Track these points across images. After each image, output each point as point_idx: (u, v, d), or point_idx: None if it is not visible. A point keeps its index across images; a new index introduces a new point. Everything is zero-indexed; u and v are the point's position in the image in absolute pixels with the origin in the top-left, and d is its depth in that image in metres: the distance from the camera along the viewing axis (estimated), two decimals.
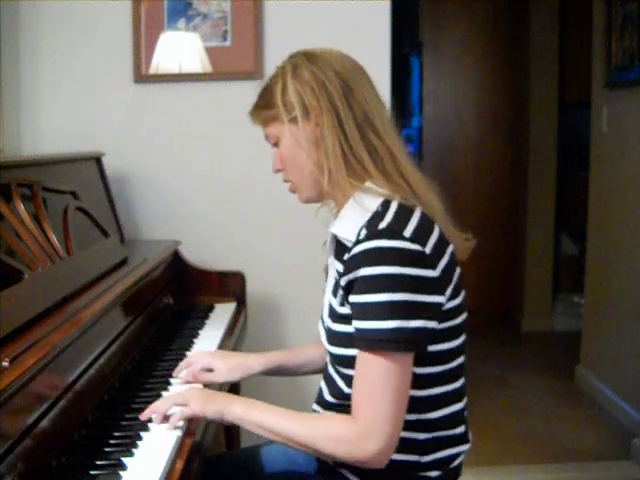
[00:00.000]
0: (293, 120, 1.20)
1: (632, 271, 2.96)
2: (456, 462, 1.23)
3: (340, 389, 1.22)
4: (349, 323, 1.14)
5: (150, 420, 1.22)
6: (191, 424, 1.24)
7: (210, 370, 1.44)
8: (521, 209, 4.46)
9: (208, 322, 1.92)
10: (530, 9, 4.25)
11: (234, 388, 2.07)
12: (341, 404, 1.22)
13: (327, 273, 1.33)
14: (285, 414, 1.16)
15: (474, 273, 4.38)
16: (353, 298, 1.12)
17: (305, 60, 1.21)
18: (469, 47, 4.49)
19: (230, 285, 2.17)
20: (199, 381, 1.42)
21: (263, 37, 2.36)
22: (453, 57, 4.52)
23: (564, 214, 4.44)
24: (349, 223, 1.18)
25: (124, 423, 1.24)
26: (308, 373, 1.50)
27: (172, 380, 1.46)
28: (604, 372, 3.26)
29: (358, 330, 1.10)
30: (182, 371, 1.45)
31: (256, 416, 1.16)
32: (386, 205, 1.15)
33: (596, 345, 3.36)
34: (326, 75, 1.19)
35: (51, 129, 2.40)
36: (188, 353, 1.63)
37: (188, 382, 1.42)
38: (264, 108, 1.25)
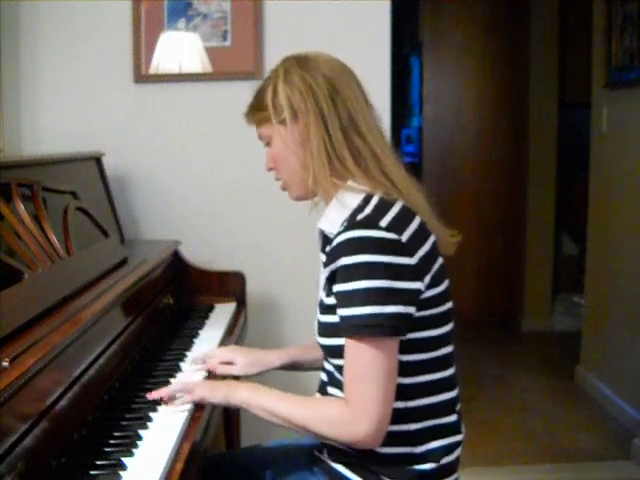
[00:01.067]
0: (282, 122, 1.26)
1: (632, 271, 2.96)
2: (451, 457, 1.24)
3: (337, 379, 1.24)
4: (334, 313, 1.19)
5: (156, 403, 1.29)
6: (193, 423, 1.25)
7: (229, 363, 1.51)
8: (521, 209, 4.45)
9: (208, 322, 1.93)
10: (530, 9, 4.25)
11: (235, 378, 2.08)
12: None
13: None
14: (285, 397, 1.23)
15: (474, 273, 4.38)
16: (336, 287, 1.17)
17: (296, 65, 1.26)
18: (469, 47, 4.49)
19: (230, 285, 2.17)
20: (217, 372, 1.49)
21: (263, 37, 2.36)
22: (453, 57, 4.52)
23: (564, 214, 4.44)
24: (333, 218, 1.23)
25: (124, 423, 1.24)
26: (319, 369, 1.52)
27: (172, 381, 1.46)
28: (604, 372, 3.26)
29: (341, 317, 1.16)
30: (199, 361, 1.55)
31: (259, 399, 1.23)
32: (367, 199, 1.21)
33: (596, 345, 3.36)
34: (314, 79, 1.24)
35: (51, 129, 2.40)
36: (188, 353, 1.63)
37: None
38: (257, 110, 1.31)
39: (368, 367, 1.13)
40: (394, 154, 1.28)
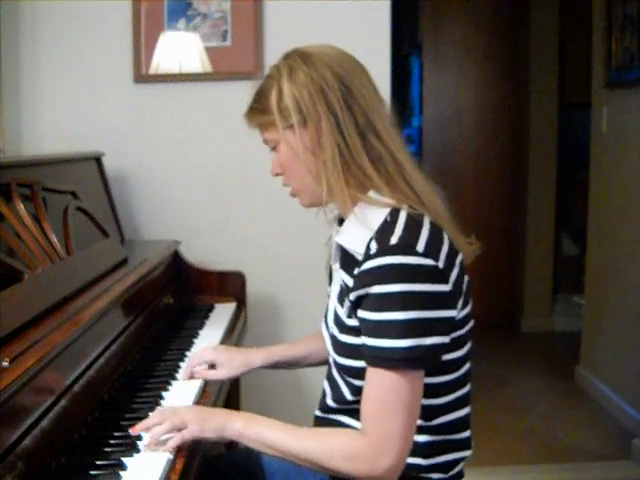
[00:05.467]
0: (290, 127, 1.15)
1: (632, 271, 2.96)
2: (458, 467, 1.23)
3: (344, 396, 1.22)
4: (357, 335, 1.13)
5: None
6: None
7: (213, 367, 1.48)
8: (521, 209, 4.45)
9: (208, 322, 1.93)
10: (530, 9, 4.25)
11: (234, 387, 2.08)
12: (343, 409, 1.23)
13: (330, 277, 1.33)
14: (288, 429, 1.13)
15: (474, 273, 4.33)
16: (364, 314, 1.09)
17: (301, 62, 1.15)
18: (469, 47, 4.49)
19: (230, 285, 2.17)
20: (204, 377, 1.45)
21: (263, 37, 2.36)
22: (453, 57, 4.52)
23: (564, 214, 4.44)
24: (356, 234, 1.14)
25: (124, 423, 1.24)
26: (310, 365, 1.51)
27: (172, 381, 1.46)
28: (604, 372, 3.26)
29: (370, 348, 1.07)
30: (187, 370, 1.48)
31: (258, 432, 1.13)
32: (395, 215, 1.11)
33: (596, 345, 3.36)
34: (324, 78, 1.13)
35: (51, 129, 2.40)
36: (188, 353, 1.63)
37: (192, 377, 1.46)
38: (260, 113, 1.19)
39: (394, 398, 1.05)
40: (409, 154, 1.19)
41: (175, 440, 1.13)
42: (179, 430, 1.15)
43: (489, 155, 4.54)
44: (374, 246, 1.08)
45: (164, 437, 1.15)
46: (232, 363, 1.46)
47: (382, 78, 2.35)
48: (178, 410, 1.19)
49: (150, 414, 1.25)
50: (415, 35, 4.90)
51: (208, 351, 1.50)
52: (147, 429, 1.16)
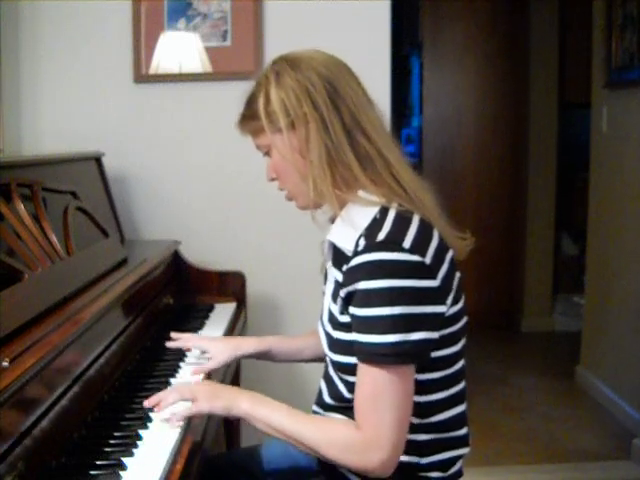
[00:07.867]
0: (278, 131, 1.17)
1: (632, 271, 2.96)
2: (457, 466, 1.23)
3: (340, 393, 1.22)
4: (350, 331, 1.14)
5: (152, 410, 1.24)
6: (192, 420, 1.25)
7: (207, 358, 1.51)
8: (521, 209, 4.46)
9: (208, 322, 1.93)
10: (530, 9, 4.26)
11: (234, 384, 2.08)
12: (340, 406, 1.23)
13: (325, 276, 1.33)
14: (292, 414, 1.16)
15: (474, 273, 4.38)
16: (353, 310, 1.11)
17: (287, 67, 1.18)
18: (469, 47, 4.49)
19: (230, 285, 2.17)
20: (200, 371, 1.47)
21: (263, 37, 2.36)
22: (453, 57, 4.51)
23: (564, 214, 4.44)
24: (346, 231, 1.16)
25: (124, 423, 1.24)
26: (305, 360, 1.53)
27: (172, 381, 1.46)
28: (604, 372, 3.26)
29: (359, 343, 1.10)
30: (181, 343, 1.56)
31: (263, 413, 1.17)
32: (384, 213, 1.13)
33: (596, 345, 3.36)
34: (310, 80, 1.15)
35: (51, 129, 2.40)
36: (188, 353, 1.63)
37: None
38: (250, 120, 1.22)
39: (386, 394, 1.07)
40: (399, 150, 1.21)
41: (184, 412, 1.19)
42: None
43: (489, 155, 4.54)
44: (362, 243, 1.11)
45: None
46: (221, 351, 1.49)
47: (382, 78, 2.35)
48: (189, 384, 1.26)
49: (151, 414, 1.26)
50: (415, 35, 4.90)
51: (202, 340, 1.57)
52: (159, 401, 1.21)
